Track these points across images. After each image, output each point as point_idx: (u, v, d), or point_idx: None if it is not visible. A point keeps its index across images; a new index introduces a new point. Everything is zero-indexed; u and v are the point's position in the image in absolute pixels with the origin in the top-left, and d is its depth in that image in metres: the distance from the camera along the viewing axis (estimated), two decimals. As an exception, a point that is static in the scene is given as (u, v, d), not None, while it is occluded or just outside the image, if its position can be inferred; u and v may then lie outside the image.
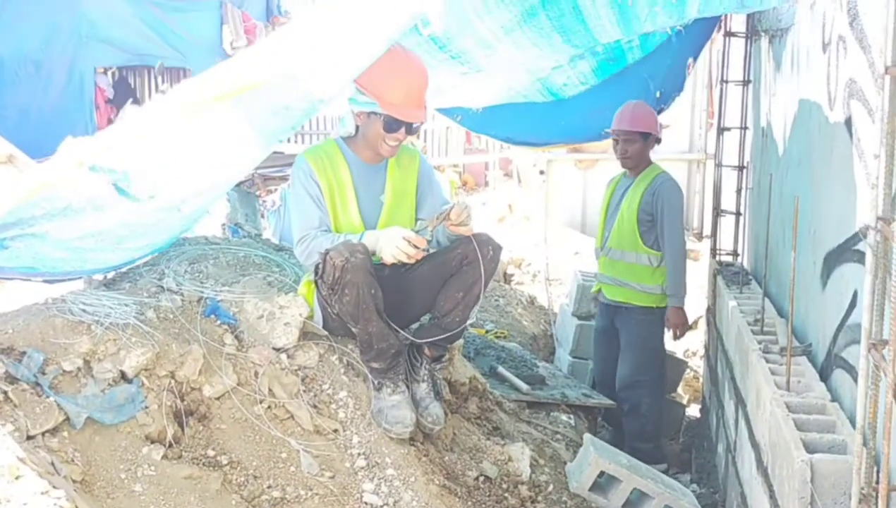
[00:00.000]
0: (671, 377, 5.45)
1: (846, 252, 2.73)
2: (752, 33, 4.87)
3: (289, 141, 9.36)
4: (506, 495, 3.20)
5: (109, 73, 9.63)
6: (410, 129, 3.16)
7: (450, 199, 3.43)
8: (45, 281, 3.07)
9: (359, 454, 2.94)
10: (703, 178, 9.50)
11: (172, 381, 2.83)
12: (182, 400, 2.83)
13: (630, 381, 4.62)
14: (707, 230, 7.61)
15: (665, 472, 4.36)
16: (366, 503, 2.80)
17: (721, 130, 5.19)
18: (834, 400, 2.73)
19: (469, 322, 3.22)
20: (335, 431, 2.97)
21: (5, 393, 2.49)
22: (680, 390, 5.89)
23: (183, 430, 2.78)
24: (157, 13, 9.78)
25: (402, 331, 3.14)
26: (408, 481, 2.89)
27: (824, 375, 2.93)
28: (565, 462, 3.62)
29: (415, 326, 3.32)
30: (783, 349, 3.09)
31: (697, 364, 6.43)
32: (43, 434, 2.47)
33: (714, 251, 5.15)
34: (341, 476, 2.85)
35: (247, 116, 2.57)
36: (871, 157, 2.33)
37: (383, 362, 3.08)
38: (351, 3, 2.76)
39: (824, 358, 2.97)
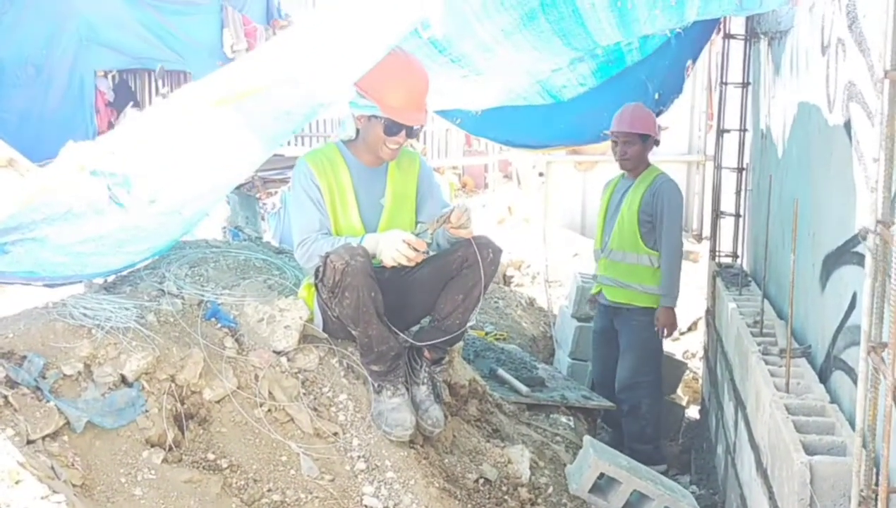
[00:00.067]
0: (671, 378, 5.46)
1: (845, 254, 2.73)
2: (751, 35, 4.88)
3: (289, 143, 9.37)
4: (506, 497, 3.20)
5: (110, 76, 9.65)
6: (411, 132, 3.16)
7: (449, 202, 3.43)
8: (46, 286, 3.08)
9: (359, 457, 2.94)
10: (703, 180, 9.51)
11: (173, 385, 2.83)
12: (182, 404, 2.84)
13: (630, 382, 4.63)
14: (706, 231, 7.62)
15: (665, 473, 4.36)
16: (366, 506, 2.80)
17: (720, 132, 5.20)
18: (833, 401, 2.74)
19: (469, 324, 3.23)
20: (335, 434, 2.97)
21: (5, 397, 2.49)
22: (679, 391, 5.89)
23: (183, 434, 2.78)
24: (157, 16, 9.79)
25: (401, 334, 3.15)
26: (408, 484, 2.89)
27: (823, 377, 2.93)
28: (565, 465, 3.62)
29: (415, 329, 3.32)
30: (782, 351, 3.09)
31: (697, 365, 6.43)
32: (43, 438, 2.47)
33: (713, 253, 5.15)
34: (341, 480, 2.85)
35: (247, 121, 2.58)
36: (870, 160, 2.34)
37: (383, 365, 3.08)
38: (351, 6, 2.77)
39: (823, 360, 2.97)
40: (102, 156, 2.42)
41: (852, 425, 2.41)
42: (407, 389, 3.13)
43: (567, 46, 3.81)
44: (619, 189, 4.76)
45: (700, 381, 5.97)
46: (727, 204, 5.12)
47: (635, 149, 4.60)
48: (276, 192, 8.07)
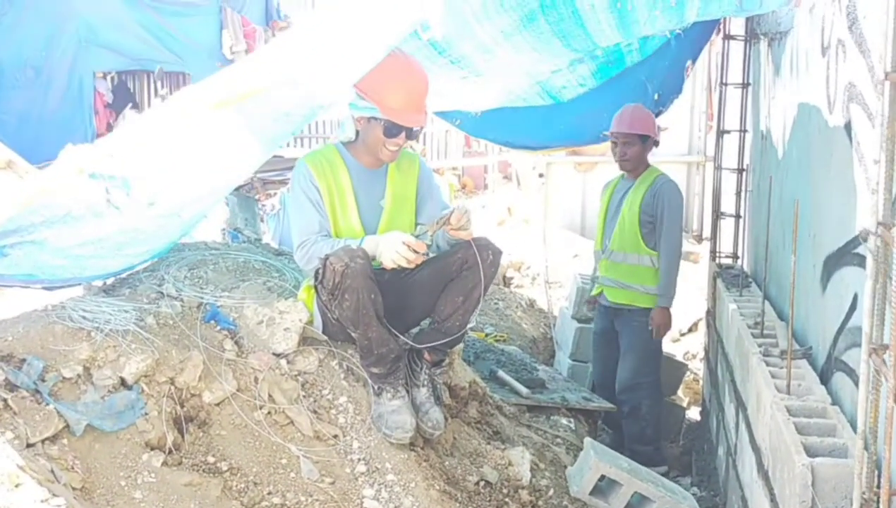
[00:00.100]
0: (671, 379, 5.45)
1: (846, 255, 2.73)
2: (751, 36, 4.88)
3: (288, 145, 9.37)
4: (506, 500, 3.19)
5: (109, 77, 9.65)
6: (411, 134, 3.16)
7: (449, 204, 3.43)
8: (45, 288, 3.07)
9: (359, 459, 2.93)
10: (703, 180, 9.52)
11: (172, 387, 2.83)
12: (182, 407, 2.83)
13: (631, 383, 4.62)
14: (706, 232, 7.62)
15: (665, 475, 4.36)
16: (366, 508, 2.79)
17: (720, 133, 5.19)
18: (834, 403, 2.73)
19: (469, 326, 3.22)
20: (335, 437, 2.97)
21: (5, 400, 2.48)
22: (680, 392, 5.89)
23: (183, 437, 2.78)
24: (156, 18, 9.79)
25: (401, 336, 3.14)
26: (408, 486, 2.88)
27: (824, 378, 2.93)
28: (566, 467, 3.62)
29: (415, 331, 3.32)
30: (783, 352, 3.08)
31: (697, 366, 6.43)
32: (43, 441, 2.46)
33: (714, 254, 5.15)
34: (341, 482, 2.84)
35: (247, 123, 2.57)
36: (870, 162, 2.33)
37: (383, 367, 3.07)
38: (351, 8, 2.76)
39: (824, 361, 2.97)
40: (101, 159, 2.42)
41: (854, 427, 2.41)
42: (407, 391, 3.13)
43: (567, 48, 3.81)
44: (619, 190, 4.76)
45: (701, 382, 5.96)
46: (727, 205, 5.11)
47: (635, 149, 4.61)
48: (275, 194, 8.07)
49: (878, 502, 1.85)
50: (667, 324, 4.58)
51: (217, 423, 2.87)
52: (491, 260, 3.09)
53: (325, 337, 3.26)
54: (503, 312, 6.53)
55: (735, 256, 5.01)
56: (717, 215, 5.14)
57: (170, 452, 2.69)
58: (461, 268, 3.09)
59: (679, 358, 6.21)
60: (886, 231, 1.74)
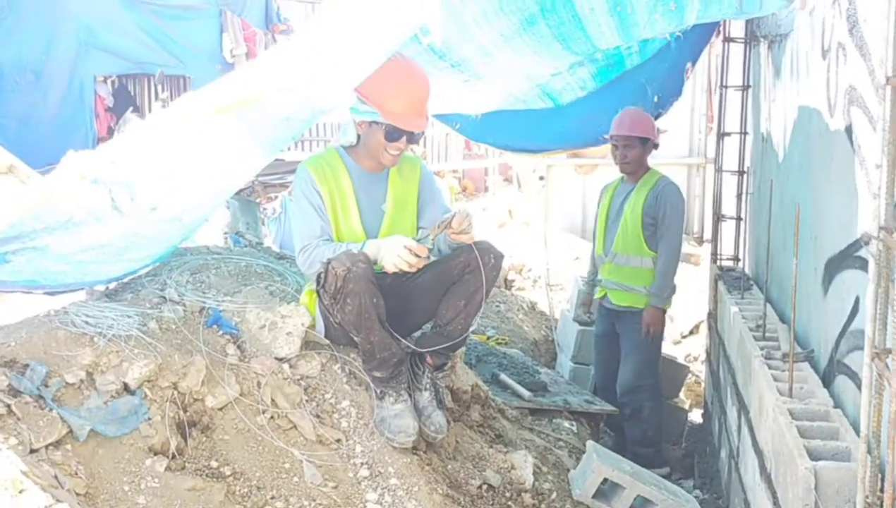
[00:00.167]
0: (673, 382, 5.46)
1: (847, 258, 2.73)
2: (751, 39, 4.89)
3: (289, 148, 9.38)
4: (509, 504, 3.19)
5: (109, 81, 9.67)
6: (412, 138, 3.16)
7: (450, 207, 3.43)
8: (46, 294, 3.07)
9: (362, 463, 2.93)
10: (703, 182, 9.52)
11: (175, 392, 2.83)
12: (185, 412, 2.83)
13: (633, 385, 4.63)
14: (707, 234, 7.62)
15: (668, 476, 4.37)
16: (369, 513, 2.79)
17: (721, 135, 5.20)
18: (837, 406, 2.73)
19: (471, 330, 3.22)
20: (338, 441, 2.97)
21: (8, 406, 2.48)
22: (682, 395, 5.89)
23: (186, 441, 2.78)
24: (156, 21, 9.81)
25: (403, 340, 3.14)
26: (411, 490, 2.88)
27: (827, 381, 2.93)
28: (568, 470, 3.62)
29: (417, 335, 3.32)
30: (785, 355, 3.09)
31: (699, 369, 6.43)
32: (46, 447, 2.46)
33: (715, 256, 5.15)
34: (344, 487, 2.84)
35: (248, 128, 2.58)
36: (871, 165, 2.34)
37: (386, 371, 3.07)
38: (351, 13, 2.77)
39: (826, 364, 2.97)
40: (103, 165, 2.42)
41: (856, 430, 2.41)
42: (409, 395, 3.13)
43: (567, 50, 3.81)
44: (620, 193, 4.76)
45: (702, 385, 5.96)
46: (728, 207, 5.12)
47: (635, 152, 4.61)
48: (276, 197, 8.09)
49: (881, 506, 1.86)
50: (658, 325, 4.57)
51: (220, 428, 2.87)
52: (492, 264, 3.09)
53: (328, 342, 3.27)
54: (504, 315, 6.53)
55: (736, 259, 5.01)
56: (718, 217, 5.15)
57: (173, 457, 2.69)
58: (463, 272, 3.09)
59: (680, 360, 6.22)
60: (888, 235, 1.75)
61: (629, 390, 4.64)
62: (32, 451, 2.41)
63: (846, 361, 2.71)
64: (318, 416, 3.01)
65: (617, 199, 4.76)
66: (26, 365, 2.65)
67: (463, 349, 3.77)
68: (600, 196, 4.97)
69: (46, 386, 2.61)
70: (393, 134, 3.10)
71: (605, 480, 3.38)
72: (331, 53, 2.69)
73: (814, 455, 2.37)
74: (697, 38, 4.71)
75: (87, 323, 2.87)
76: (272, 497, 2.74)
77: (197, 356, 2.93)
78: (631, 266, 4.63)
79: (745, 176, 4.96)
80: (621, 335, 4.75)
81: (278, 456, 2.85)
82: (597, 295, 4.90)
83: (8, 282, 2.77)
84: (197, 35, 10.16)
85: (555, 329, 6.68)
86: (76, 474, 2.46)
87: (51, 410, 2.55)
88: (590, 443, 3.59)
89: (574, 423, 4.27)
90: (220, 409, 2.89)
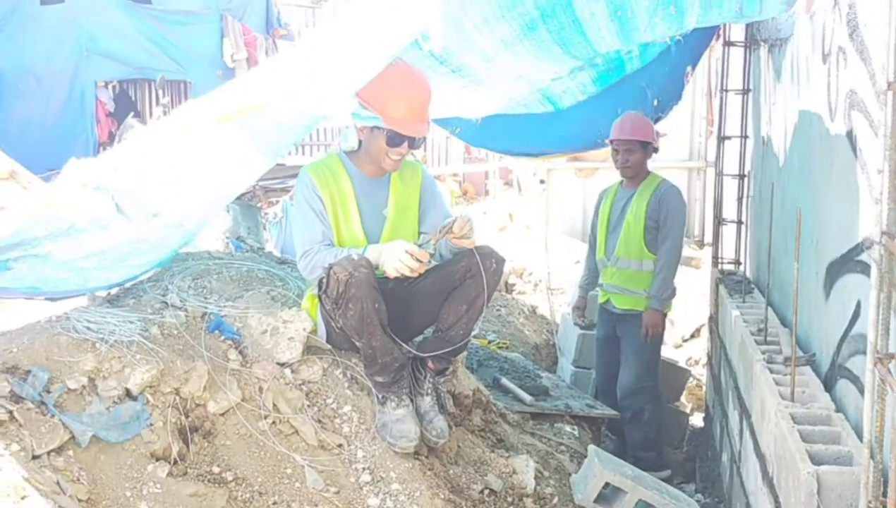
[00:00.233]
0: (674, 385, 5.45)
1: (849, 262, 2.73)
2: (750, 42, 4.89)
3: (290, 153, 9.39)
4: (511, 508, 3.19)
5: (110, 86, 9.68)
6: (413, 144, 3.17)
7: (451, 211, 3.43)
8: (48, 299, 3.07)
9: (364, 468, 2.93)
10: (704, 186, 9.53)
11: (177, 398, 2.83)
12: (187, 417, 2.83)
13: (634, 388, 4.63)
14: (707, 238, 7.62)
15: (669, 479, 4.37)
16: (371, 518, 2.79)
17: (721, 139, 5.20)
18: (838, 410, 2.73)
19: (472, 334, 3.23)
20: (340, 446, 2.97)
21: (10, 412, 2.48)
22: (683, 398, 5.89)
23: (188, 447, 2.78)
24: (157, 26, 9.83)
25: (405, 345, 3.14)
26: (413, 495, 2.88)
27: (828, 385, 2.93)
28: (570, 474, 3.61)
29: (418, 339, 3.32)
30: (787, 359, 3.09)
31: (700, 372, 6.42)
32: (48, 453, 2.46)
33: (716, 259, 5.15)
34: (346, 492, 2.84)
35: (249, 136, 2.58)
36: (873, 170, 2.34)
37: (387, 376, 3.08)
38: (352, 20, 2.77)
39: (828, 368, 2.97)
40: (105, 173, 2.43)
41: (858, 434, 2.41)
42: (411, 400, 3.13)
43: (567, 55, 3.82)
44: (621, 198, 4.76)
45: (703, 388, 5.96)
46: (729, 210, 5.12)
47: (636, 156, 4.62)
48: (277, 201, 8.09)
49: (884, 510, 1.86)
50: (657, 327, 4.58)
51: (222, 433, 2.87)
52: (494, 269, 3.10)
53: (329, 346, 3.27)
54: (505, 319, 6.53)
55: (737, 262, 5.02)
56: (719, 221, 5.15)
57: (175, 462, 2.69)
58: (464, 277, 3.10)
59: (681, 363, 6.22)
60: (891, 240, 1.75)
61: (630, 393, 4.64)
62: (34, 457, 2.41)
63: (848, 365, 2.71)
64: (319, 421, 3.01)
65: (618, 204, 4.77)
66: (28, 371, 2.65)
67: (464, 353, 3.77)
68: (599, 201, 4.97)
69: (48, 391, 2.61)
70: (394, 139, 3.10)
71: (607, 485, 3.38)
72: (332, 60, 2.69)
73: (816, 460, 2.37)
74: (697, 41, 4.71)
75: (88, 328, 2.87)
76: (274, 503, 2.74)
77: (199, 361, 2.93)
78: (633, 269, 4.63)
79: (745, 179, 4.97)
80: (622, 338, 4.75)
81: (280, 462, 2.85)
82: (599, 300, 4.91)
83: (9, 289, 2.77)
84: (198, 40, 10.18)
85: (556, 332, 6.68)
86: (78, 480, 2.46)
87: (53, 416, 2.55)
88: (591, 448, 3.59)
89: (575, 427, 4.26)
90: (222, 414, 2.90)
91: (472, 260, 3.07)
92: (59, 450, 2.50)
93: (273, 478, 2.81)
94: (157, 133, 2.65)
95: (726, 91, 5.03)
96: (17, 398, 2.55)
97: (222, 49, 10.38)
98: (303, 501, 2.77)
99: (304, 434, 2.95)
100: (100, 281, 3.14)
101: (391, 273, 3.00)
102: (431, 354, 3.17)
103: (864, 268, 2.48)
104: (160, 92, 9.60)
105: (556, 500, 3.37)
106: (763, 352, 3.29)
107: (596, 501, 3.36)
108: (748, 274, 4.86)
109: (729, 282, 4.63)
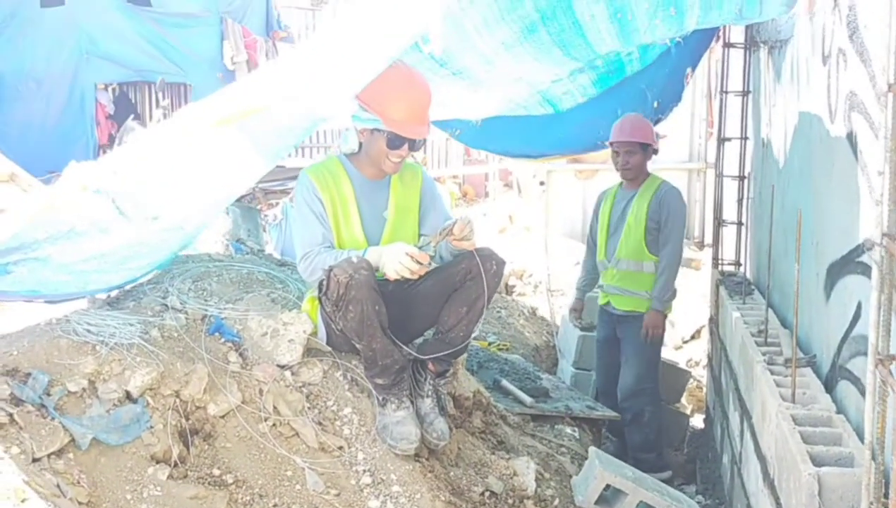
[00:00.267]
0: (674, 387, 5.45)
1: (849, 263, 2.73)
2: (750, 44, 4.89)
3: (290, 155, 9.39)
4: (512, 510, 3.19)
5: (110, 88, 9.69)
6: (414, 146, 3.17)
7: (450, 213, 3.43)
8: (48, 302, 3.07)
9: (364, 471, 2.93)
10: (704, 187, 9.53)
11: (177, 400, 2.83)
12: (187, 419, 2.83)
13: (634, 389, 4.63)
14: (707, 239, 7.62)
15: (670, 480, 4.37)
16: (372, 520, 2.79)
17: (721, 140, 5.20)
18: (839, 411, 2.73)
19: (473, 336, 3.23)
20: (340, 448, 2.97)
21: (10, 415, 2.48)
22: (683, 400, 5.89)
23: (188, 449, 2.78)
24: (157, 29, 9.84)
25: (405, 347, 3.14)
26: (413, 497, 2.88)
27: (829, 386, 2.93)
28: (571, 476, 3.61)
29: (419, 341, 3.32)
30: (788, 360, 3.08)
31: (700, 374, 6.42)
32: (48, 456, 2.46)
33: (716, 261, 5.15)
34: (347, 494, 2.84)
35: (249, 138, 2.58)
36: (873, 171, 2.34)
37: (388, 378, 3.07)
38: (352, 22, 2.77)
39: (829, 370, 2.97)
40: (105, 176, 2.43)
41: (859, 435, 2.41)
42: (411, 402, 3.13)
43: (567, 57, 3.82)
44: (621, 199, 4.77)
45: (704, 390, 5.96)
46: (729, 212, 5.12)
47: (637, 158, 4.63)
48: (277, 204, 8.09)
49: (885, 512, 1.85)
50: (658, 328, 4.58)
51: (222, 436, 2.87)
52: (494, 271, 3.10)
53: (330, 349, 3.27)
54: (506, 321, 6.53)
55: (737, 263, 5.01)
56: (719, 222, 5.15)
57: (175, 465, 2.69)
58: (465, 279, 3.10)
59: (682, 365, 6.21)
60: (891, 242, 1.75)
61: (630, 394, 4.64)
62: (35, 460, 2.41)
63: (848, 367, 2.71)
64: (320, 423, 3.01)
65: (618, 205, 4.77)
66: (28, 374, 2.65)
67: (464, 355, 3.77)
68: (598, 202, 4.97)
69: (48, 394, 2.61)
70: (395, 141, 3.10)
71: (608, 486, 3.37)
72: (332, 62, 2.69)
73: (817, 461, 2.37)
74: (697, 43, 4.72)
75: (88, 331, 2.87)
76: (274, 505, 2.73)
77: (199, 364, 2.93)
78: (633, 271, 4.64)
79: (745, 181, 4.97)
80: (622, 339, 4.75)
81: (280, 464, 2.85)
82: (599, 301, 4.91)
83: (9, 292, 2.77)
84: (198, 43, 10.19)
85: (556, 334, 6.68)
86: (78, 483, 2.46)
87: (53, 419, 2.55)
88: (592, 449, 3.58)
89: (576, 429, 4.26)
90: (222, 417, 2.89)
91: (472, 262, 3.07)
92: (60, 453, 2.50)
93: (273, 481, 2.81)
94: (158, 136, 2.65)
95: (726, 92, 5.03)
96: (17, 401, 2.55)
97: (222, 51, 10.39)
98: (303, 503, 2.77)
99: (305, 436, 2.95)
100: (100, 283, 3.14)
101: (391, 275, 3.00)
102: (432, 356, 3.17)
103: (865, 270, 2.48)
104: (160, 94, 9.61)
105: (556, 502, 3.37)
106: (764, 354, 3.29)
107: (597, 503, 3.36)
108: (748, 275, 4.86)
109: (729, 284, 4.63)
